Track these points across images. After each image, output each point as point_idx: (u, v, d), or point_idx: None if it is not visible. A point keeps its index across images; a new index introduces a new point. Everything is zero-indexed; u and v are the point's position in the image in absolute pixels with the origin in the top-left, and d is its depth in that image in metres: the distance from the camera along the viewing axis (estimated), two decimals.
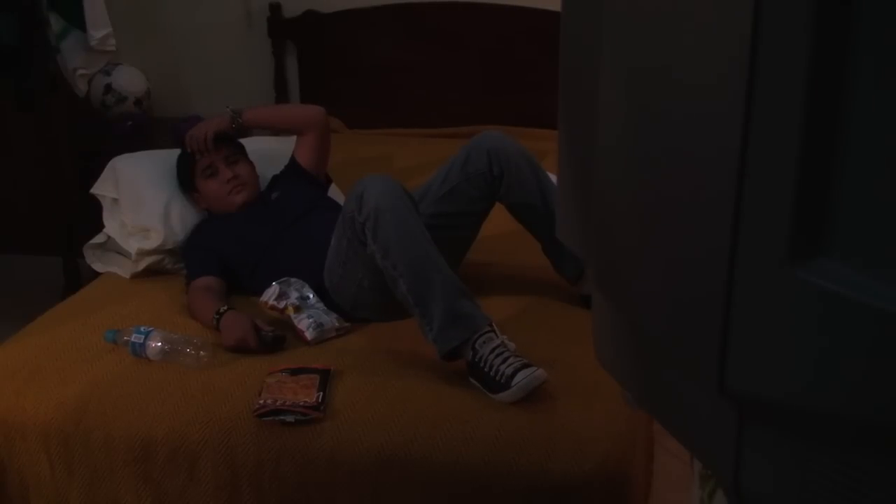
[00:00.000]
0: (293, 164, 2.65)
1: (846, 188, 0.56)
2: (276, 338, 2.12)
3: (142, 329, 2.12)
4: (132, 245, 2.56)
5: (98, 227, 2.71)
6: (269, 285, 2.21)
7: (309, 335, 2.13)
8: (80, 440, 1.91)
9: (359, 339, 2.19)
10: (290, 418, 1.84)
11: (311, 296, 2.21)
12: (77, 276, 3.27)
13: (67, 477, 1.93)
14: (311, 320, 2.15)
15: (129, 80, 3.55)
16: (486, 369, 1.89)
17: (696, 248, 0.65)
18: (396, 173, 2.81)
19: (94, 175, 2.76)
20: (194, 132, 2.55)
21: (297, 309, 2.18)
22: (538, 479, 1.73)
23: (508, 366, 1.86)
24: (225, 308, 2.19)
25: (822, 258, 0.57)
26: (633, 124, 0.71)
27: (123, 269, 2.57)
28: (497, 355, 1.89)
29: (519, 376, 1.85)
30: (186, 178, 2.60)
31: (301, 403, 1.86)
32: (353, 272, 2.19)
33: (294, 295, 2.19)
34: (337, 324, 2.19)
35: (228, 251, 2.43)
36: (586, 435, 1.79)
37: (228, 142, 2.61)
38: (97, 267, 2.67)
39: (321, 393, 1.89)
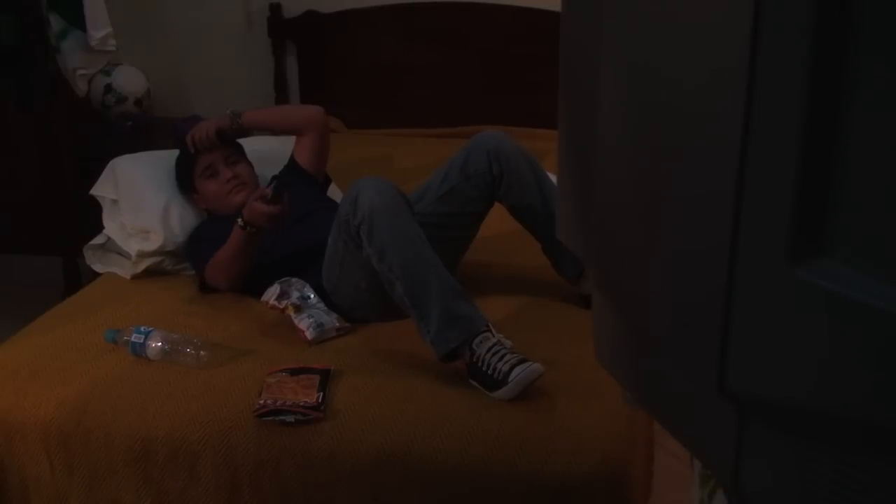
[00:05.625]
0: (292, 164, 2.65)
1: (846, 188, 0.56)
2: (275, 194, 2.20)
3: (142, 329, 2.12)
4: (132, 247, 2.56)
5: (98, 227, 2.70)
6: (270, 285, 2.21)
7: (309, 335, 2.13)
8: (80, 440, 1.91)
9: (359, 339, 2.19)
10: (290, 418, 1.84)
11: (311, 296, 2.21)
12: (77, 276, 3.27)
13: (67, 477, 1.93)
14: (311, 320, 2.15)
15: (129, 80, 3.55)
16: (483, 368, 1.89)
17: (697, 247, 0.65)
18: (396, 173, 2.81)
19: (94, 175, 2.75)
20: (195, 132, 2.56)
21: (298, 309, 2.18)
22: (538, 479, 1.73)
23: (505, 363, 1.87)
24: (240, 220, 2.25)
25: (823, 258, 0.57)
26: (633, 124, 0.71)
27: (123, 270, 2.57)
28: (494, 353, 1.89)
29: (515, 371, 1.85)
30: (186, 180, 2.61)
31: (301, 403, 1.86)
32: (350, 274, 2.19)
33: (295, 295, 2.19)
34: (337, 324, 2.19)
35: None
36: (586, 435, 1.79)
37: (228, 142, 2.62)
38: (97, 268, 2.66)
39: (321, 393, 1.89)
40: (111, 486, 1.91)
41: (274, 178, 2.65)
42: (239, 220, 2.25)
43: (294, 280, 2.23)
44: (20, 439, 1.96)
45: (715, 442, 0.69)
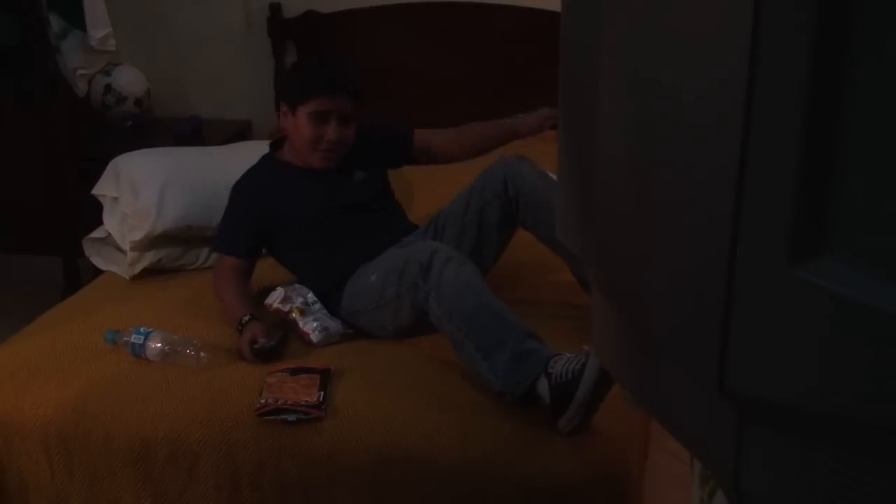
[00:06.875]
0: (406, 139, 2.48)
1: (846, 188, 0.56)
2: (268, 349, 2.08)
3: (141, 330, 2.12)
4: (127, 245, 2.55)
5: (98, 227, 2.71)
6: (275, 289, 2.23)
7: (314, 337, 2.13)
8: (80, 440, 1.91)
9: (359, 339, 2.19)
10: (291, 417, 1.84)
11: (315, 302, 2.21)
12: (77, 276, 3.28)
13: (67, 477, 1.93)
14: (316, 323, 2.15)
15: (129, 80, 3.55)
16: (563, 380, 1.79)
17: (697, 248, 0.65)
18: (396, 174, 2.80)
19: (94, 175, 2.75)
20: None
21: (302, 312, 2.18)
22: (538, 479, 1.73)
23: (576, 363, 1.80)
24: (248, 318, 2.14)
25: (822, 258, 0.57)
26: (633, 125, 0.71)
27: (122, 268, 2.57)
28: (567, 362, 1.82)
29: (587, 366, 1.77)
30: (294, 98, 2.29)
31: (303, 402, 1.86)
32: (382, 317, 2.17)
33: (299, 300, 2.19)
34: (342, 329, 2.19)
35: (281, 211, 2.30)
36: (586, 435, 1.80)
37: (355, 94, 2.32)
38: (96, 261, 2.66)
39: (322, 392, 1.89)
40: (111, 486, 1.91)
41: (365, 144, 2.43)
42: (240, 324, 2.13)
43: (298, 286, 2.24)
44: (19, 440, 1.96)
45: (715, 442, 0.69)
